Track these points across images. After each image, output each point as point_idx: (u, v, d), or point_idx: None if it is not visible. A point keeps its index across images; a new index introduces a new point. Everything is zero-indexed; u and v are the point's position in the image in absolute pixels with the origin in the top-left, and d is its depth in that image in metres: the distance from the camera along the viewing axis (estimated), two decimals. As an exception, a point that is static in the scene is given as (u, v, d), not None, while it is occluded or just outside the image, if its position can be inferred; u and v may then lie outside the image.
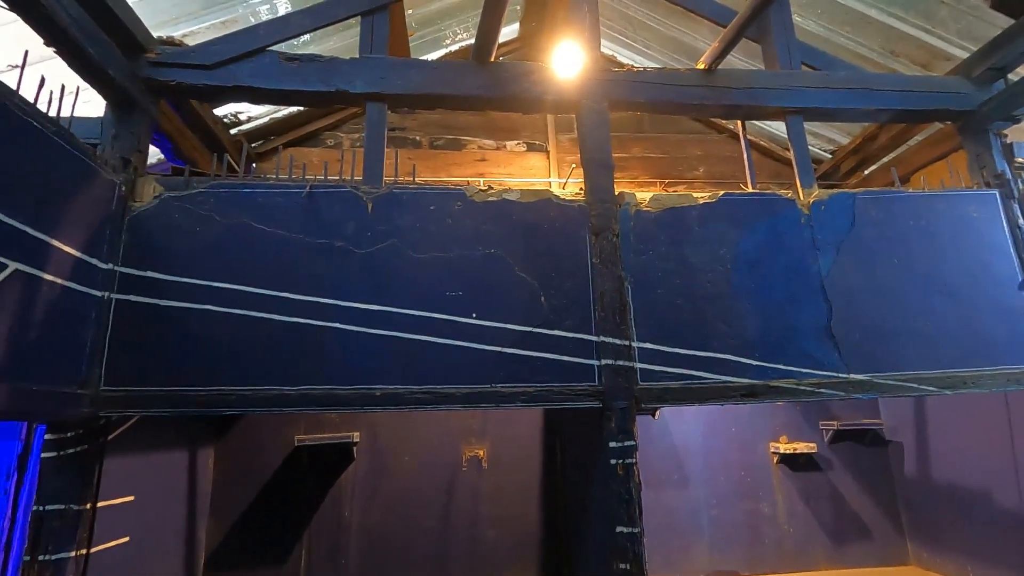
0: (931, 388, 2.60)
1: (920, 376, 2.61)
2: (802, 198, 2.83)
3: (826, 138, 4.46)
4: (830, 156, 4.46)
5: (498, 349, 2.43)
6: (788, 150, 3.06)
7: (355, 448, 3.34)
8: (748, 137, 3.41)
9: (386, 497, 3.33)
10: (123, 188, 2.37)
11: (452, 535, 3.32)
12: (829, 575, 3.39)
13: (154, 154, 3.18)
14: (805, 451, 3.61)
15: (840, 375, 2.56)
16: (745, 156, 3.27)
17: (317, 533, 3.24)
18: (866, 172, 4.24)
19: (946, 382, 2.61)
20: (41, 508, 2.11)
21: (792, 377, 2.54)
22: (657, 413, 3.56)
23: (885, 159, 4.04)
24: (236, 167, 3.70)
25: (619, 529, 2.28)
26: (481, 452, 3.44)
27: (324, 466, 3.32)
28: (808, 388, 2.53)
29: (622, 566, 2.24)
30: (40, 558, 2.05)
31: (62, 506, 2.11)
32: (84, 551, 2.13)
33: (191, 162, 3.22)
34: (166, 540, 2.80)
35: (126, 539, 2.41)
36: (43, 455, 2.15)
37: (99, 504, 2.23)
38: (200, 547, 3.08)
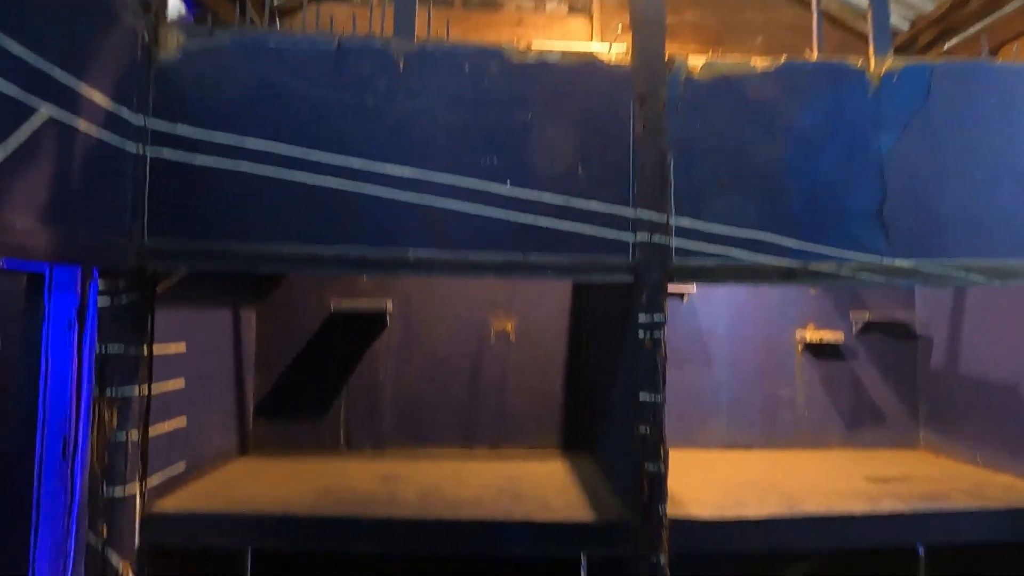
0: (979, 278, 2.51)
1: (969, 264, 2.50)
2: (872, 68, 2.57)
3: (906, 4, 3.96)
4: (908, 26, 3.99)
5: (532, 218, 2.39)
6: (861, 17, 2.73)
7: (388, 316, 3.46)
8: (819, -3, 3.04)
9: (418, 364, 3.50)
10: (146, 36, 2.27)
11: (480, 401, 3.51)
12: (840, 454, 3.53)
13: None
14: (831, 340, 3.62)
15: (884, 260, 2.48)
16: (815, 13, 2.94)
17: (355, 392, 3.47)
18: (946, 46, 3.81)
19: (996, 272, 2.51)
20: (103, 349, 2.27)
21: (833, 260, 2.47)
22: (686, 297, 3.56)
23: (971, 30, 3.59)
24: (258, 21, 3.50)
25: (643, 397, 2.36)
26: (509, 326, 3.54)
27: (359, 332, 3.47)
28: (848, 273, 2.46)
29: (643, 429, 2.36)
30: (108, 393, 2.25)
31: (121, 348, 2.26)
32: (146, 389, 2.33)
33: (212, 12, 3.05)
34: (218, 387, 3.04)
35: (182, 382, 2.61)
36: (99, 304, 2.28)
37: (155, 350, 2.39)
38: (249, 397, 3.35)
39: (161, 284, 2.43)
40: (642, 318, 2.38)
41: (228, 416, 3.15)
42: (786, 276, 2.44)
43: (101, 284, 2.29)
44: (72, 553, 4.78)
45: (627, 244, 2.40)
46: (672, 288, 3.46)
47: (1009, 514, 2.60)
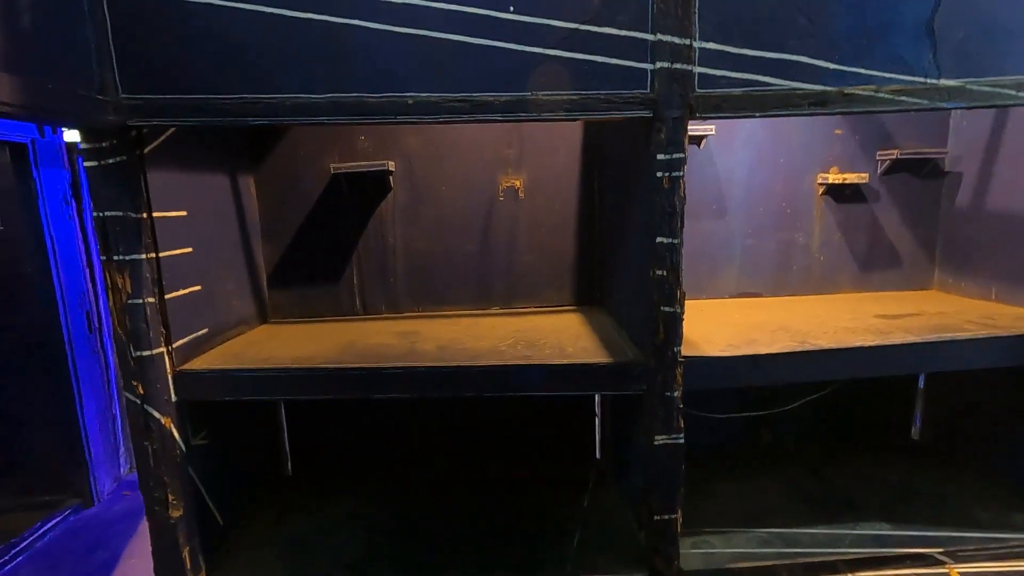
0: (1033, 96, 2.29)
1: (1022, 81, 2.27)
2: None
3: None
4: None
5: (540, 50, 2.15)
6: None
7: (391, 177, 3.32)
8: None
9: (426, 224, 3.43)
10: None
11: (491, 259, 3.49)
12: (850, 297, 3.55)
13: None
14: (855, 181, 3.46)
15: (929, 80, 2.25)
16: None
17: (365, 256, 3.44)
18: None
19: (1053, 89, 2.28)
20: (101, 214, 2.19)
21: (872, 83, 2.24)
22: (704, 141, 3.36)
23: None
24: None
25: (659, 240, 2.30)
26: (518, 182, 3.40)
27: (363, 195, 3.36)
28: (887, 96, 2.25)
29: (660, 272, 2.32)
30: (115, 258, 2.21)
31: (119, 213, 2.18)
32: (153, 254, 2.29)
33: None
34: (228, 254, 3.01)
35: (190, 249, 2.57)
36: (86, 165, 2.15)
37: (154, 215, 2.31)
38: (260, 265, 3.34)
39: (150, 144, 2.29)
40: (660, 156, 2.24)
41: (242, 284, 3.16)
42: (818, 102, 2.24)
43: (84, 146, 2.15)
44: (118, 415, 5.16)
45: (645, 73, 2.18)
46: (691, 130, 3.28)
47: (1017, 340, 2.64)
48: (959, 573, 2.59)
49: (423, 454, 3.74)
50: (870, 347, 2.59)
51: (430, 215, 3.43)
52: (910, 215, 3.59)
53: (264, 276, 3.37)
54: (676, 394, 2.43)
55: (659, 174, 2.25)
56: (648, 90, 2.20)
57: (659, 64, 2.18)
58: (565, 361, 2.52)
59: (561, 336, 2.91)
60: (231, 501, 2.97)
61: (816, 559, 2.67)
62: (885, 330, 2.77)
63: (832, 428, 3.84)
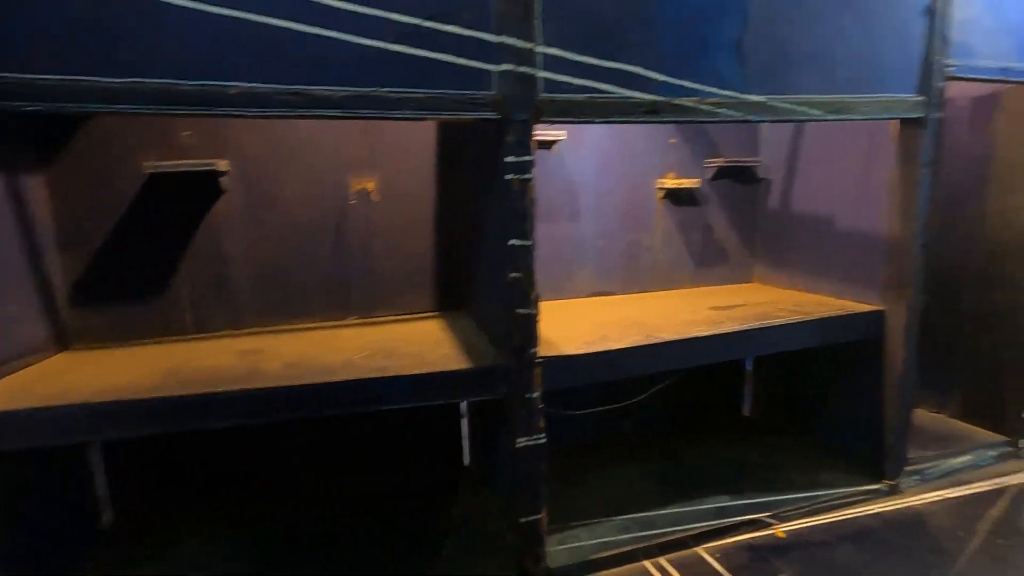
0: (818, 112, 2.66)
1: (812, 100, 2.63)
2: None
3: None
4: None
5: (380, 44, 2.04)
6: None
7: (224, 178, 2.97)
8: None
9: (271, 231, 3.12)
10: None
11: (347, 266, 3.27)
12: (688, 292, 3.89)
13: None
14: (689, 186, 3.79)
15: (740, 95, 2.51)
16: None
17: (195, 266, 3.03)
18: None
19: (833, 107, 2.67)
20: None
21: (696, 95, 2.45)
22: (555, 146, 3.46)
23: None
24: None
25: (513, 242, 2.30)
26: (371, 184, 3.23)
27: (188, 198, 2.96)
28: (708, 108, 2.47)
29: (514, 274, 2.32)
30: None
31: None
32: None
33: None
34: (5, 271, 2.46)
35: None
36: None
37: None
38: (55, 280, 2.78)
39: None
40: (510, 159, 2.24)
41: (29, 305, 2.61)
42: (652, 111, 2.39)
43: None
44: None
45: (489, 74, 2.17)
46: (542, 135, 3.37)
47: (819, 323, 3.07)
48: (783, 531, 2.92)
49: (278, 476, 3.40)
50: (706, 336, 2.83)
51: (274, 220, 3.12)
52: (734, 217, 4.03)
53: (61, 294, 2.82)
54: (536, 395, 2.44)
55: (509, 176, 2.24)
56: (494, 91, 2.18)
57: (504, 66, 2.17)
58: (424, 370, 2.42)
59: (422, 344, 2.81)
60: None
61: (669, 538, 2.85)
62: (718, 320, 3.06)
63: (682, 412, 4.18)
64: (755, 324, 2.94)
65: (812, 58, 2.62)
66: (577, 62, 2.27)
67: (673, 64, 2.41)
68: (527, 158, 2.25)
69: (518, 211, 2.27)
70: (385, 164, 3.25)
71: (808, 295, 3.62)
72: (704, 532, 2.89)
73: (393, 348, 2.75)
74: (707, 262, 4.02)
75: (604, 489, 3.42)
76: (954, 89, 3.03)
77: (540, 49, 2.21)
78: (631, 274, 3.85)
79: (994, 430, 3.70)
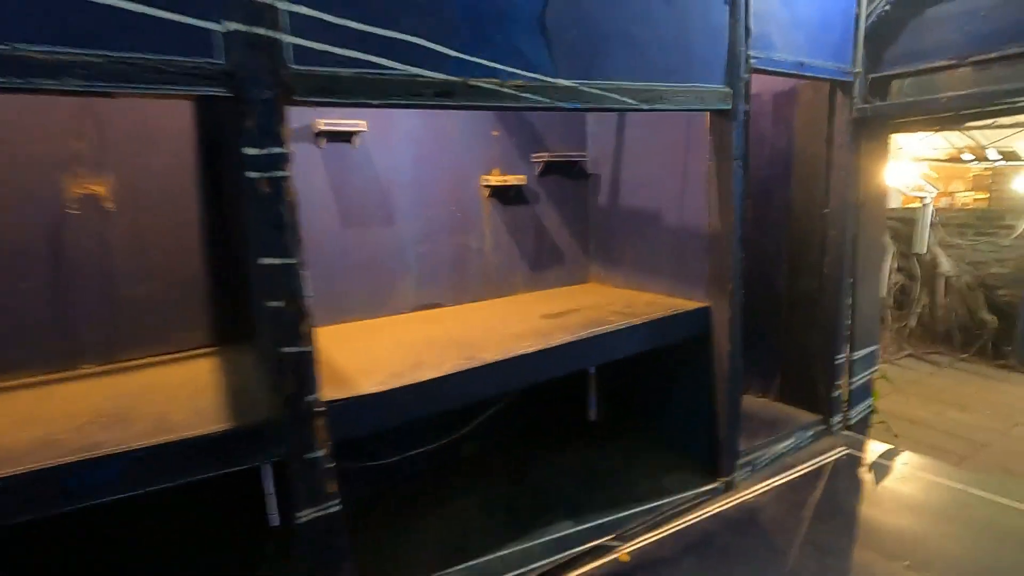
0: (631, 101, 2.44)
1: (623, 87, 2.40)
2: None
3: None
4: None
5: (33, -17, 1.36)
6: None
7: None
8: None
9: (-65, 256, 2.20)
10: None
11: (76, 296, 2.45)
12: (523, 298, 3.60)
13: None
14: (515, 183, 3.49)
15: (548, 79, 2.20)
16: None
17: None
18: None
19: (645, 95, 2.48)
20: None
21: (496, 76, 2.08)
22: (357, 139, 2.93)
23: None
24: None
25: (265, 261, 1.74)
26: (101, 188, 2.44)
27: None
28: (512, 91, 2.12)
29: (273, 304, 1.77)
30: None
31: None
32: None
33: None
34: None
35: None
36: None
37: None
38: None
39: None
40: (252, 152, 1.67)
41: None
42: (444, 92, 1.97)
43: None
44: None
45: (212, 35, 1.58)
46: (333, 125, 2.81)
47: (647, 326, 2.91)
48: (628, 554, 2.71)
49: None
50: (532, 354, 2.50)
51: (-55, 241, 2.21)
52: (566, 215, 3.82)
53: None
54: (320, 454, 1.91)
55: (253, 175, 1.68)
56: (221, 60, 1.61)
57: (231, 25, 1.60)
58: (159, 440, 1.76)
59: (175, 396, 2.13)
60: None
61: (508, 586, 2.50)
62: (548, 331, 2.76)
63: (527, 424, 3.89)
64: (584, 334, 2.69)
65: (622, 42, 2.40)
66: (340, 26, 1.77)
67: (468, 39, 2.01)
68: (278, 150, 1.71)
69: (269, 220, 1.72)
70: (122, 161, 2.48)
71: (641, 295, 3.50)
72: (545, 574, 2.58)
73: (130, 407, 2.04)
74: (542, 264, 3.76)
75: (439, 530, 2.98)
76: (757, 83, 3.03)
77: (283, 5, 1.67)
78: (460, 282, 3.45)
79: (810, 409, 3.90)
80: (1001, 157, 6.10)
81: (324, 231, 2.97)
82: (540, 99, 2.19)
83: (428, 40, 1.93)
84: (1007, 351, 6.36)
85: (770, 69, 2.95)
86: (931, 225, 7.08)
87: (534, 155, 3.59)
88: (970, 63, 2.94)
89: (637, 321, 2.89)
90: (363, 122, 2.86)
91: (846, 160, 3.48)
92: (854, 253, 3.62)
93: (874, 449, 3.62)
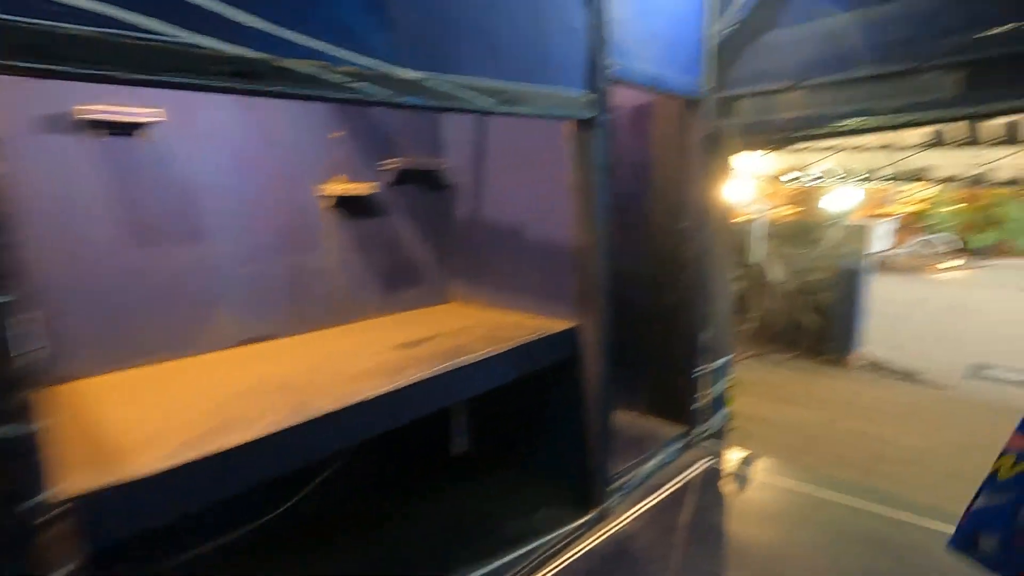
0: (488, 101, 2.15)
1: (478, 85, 2.10)
2: None
3: None
4: None
5: None
6: None
7: None
8: None
9: None
10: None
11: None
12: (377, 323, 3.15)
13: None
14: (364, 193, 3.04)
15: (389, 67, 1.82)
16: None
17: None
18: None
19: (503, 96, 2.20)
20: None
21: (318, 59, 1.66)
22: (148, 131, 2.30)
23: None
24: None
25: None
26: None
27: None
28: (339, 78, 1.71)
29: (-37, 367, 1.17)
30: None
31: None
32: None
33: None
34: None
35: None
36: None
37: None
38: None
39: None
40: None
41: None
42: (242, 73, 1.51)
43: None
44: None
45: None
46: (111, 113, 2.17)
47: (514, 353, 2.63)
48: (499, 615, 2.39)
49: None
50: (380, 397, 2.09)
51: None
52: (425, 228, 3.44)
53: None
54: (66, 571, 1.33)
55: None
56: None
57: None
58: None
59: None
60: None
61: None
62: (402, 366, 2.36)
63: (380, 466, 3.42)
64: (444, 368, 2.33)
65: (475, 32, 2.10)
66: (74, -33, 1.23)
67: (280, 7, 1.57)
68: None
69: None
70: None
71: (507, 315, 3.23)
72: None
73: None
74: (397, 284, 3.34)
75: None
76: (615, 96, 2.92)
77: (-38, -80, 1.11)
78: (298, 308, 2.91)
79: (674, 421, 3.92)
80: (818, 176, 6.96)
81: (103, 249, 2.28)
82: (379, 91, 1.80)
83: (221, 1, 1.45)
84: (827, 347, 7.20)
85: (629, 80, 2.86)
86: (763, 237, 7.83)
87: (385, 161, 3.17)
88: (803, 87, 3.09)
89: (503, 348, 2.59)
90: (158, 110, 2.24)
91: (700, 176, 3.54)
92: (709, 266, 3.70)
93: (733, 457, 3.71)
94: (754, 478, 3.49)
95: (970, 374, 7.07)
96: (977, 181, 6.21)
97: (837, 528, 2.93)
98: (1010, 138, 4.64)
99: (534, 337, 2.76)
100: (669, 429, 3.86)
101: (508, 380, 2.65)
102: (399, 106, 1.89)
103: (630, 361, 3.96)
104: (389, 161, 3.17)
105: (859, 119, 2.95)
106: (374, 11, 1.78)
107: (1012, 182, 6.96)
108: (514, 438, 3.50)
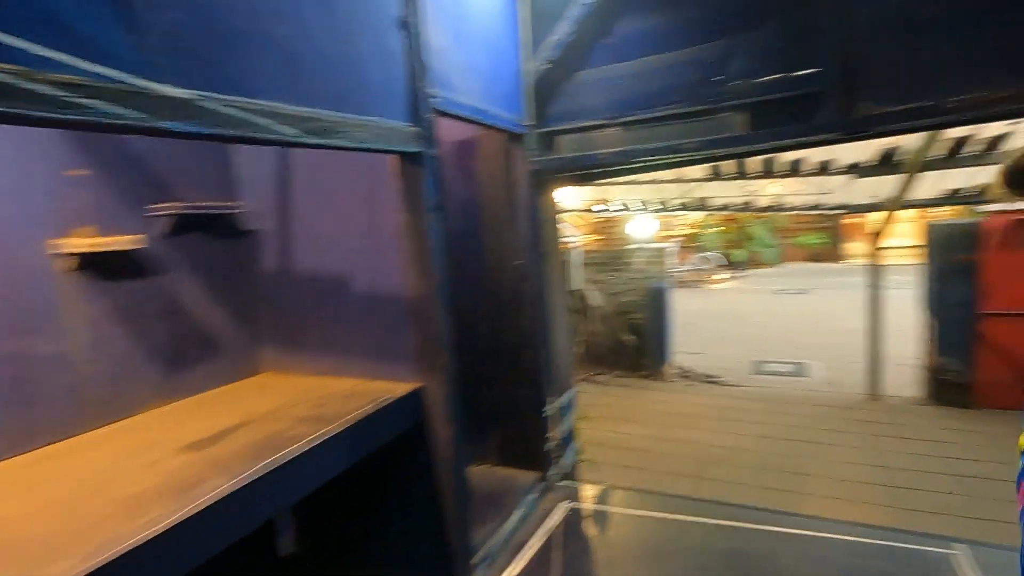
0: (291, 131, 1.73)
1: (277, 110, 1.68)
2: None
3: None
4: None
5: None
6: None
7: None
8: None
9: None
10: None
11: None
12: (158, 415, 2.40)
13: None
14: (126, 247, 2.32)
15: (138, 81, 1.31)
16: None
17: None
18: None
19: (313, 125, 1.80)
20: None
21: (21, 62, 1.11)
22: None
23: None
24: None
25: None
26: None
27: None
28: (62, 94, 1.16)
29: None
30: None
31: None
32: None
33: None
34: None
35: None
36: None
37: None
38: None
39: None
40: None
41: None
42: None
43: None
44: None
45: None
46: None
47: (351, 431, 2.17)
48: None
49: None
50: (160, 536, 1.47)
51: None
52: (217, 286, 2.78)
53: None
54: None
55: None
56: None
57: None
58: None
59: None
60: None
61: None
62: (190, 481, 1.74)
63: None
64: (256, 471, 1.78)
65: (272, 49, 1.68)
66: None
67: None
68: None
69: None
70: None
71: (336, 382, 2.72)
72: None
73: None
74: (183, 361, 2.61)
75: None
76: (440, 129, 2.69)
77: None
78: (24, 415, 2.06)
79: (529, 467, 3.72)
80: (622, 207, 7.63)
81: None
82: (125, 111, 1.28)
83: None
84: (645, 363, 7.81)
85: (453, 112, 2.64)
86: (580, 265, 8.30)
87: (155, 206, 2.48)
88: (617, 124, 3.21)
89: (335, 429, 2.11)
90: None
91: (528, 211, 3.47)
92: (548, 301, 3.63)
93: (589, 494, 3.63)
94: (613, 513, 3.43)
95: (754, 371, 8.25)
96: (745, 207, 7.37)
97: (701, 550, 2.97)
98: (767, 172, 5.54)
99: (372, 408, 2.32)
100: (524, 477, 3.65)
101: (347, 466, 2.17)
102: (161, 133, 1.37)
103: (476, 409, 3.69)
104: (162, 205, 2.49)
105: (669, 155, 3.13)
106: (111, 8, 1.27)
107: (748, 206, 8.44)
108: (353, 527, 2.95)
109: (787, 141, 2.93)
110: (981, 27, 2.35)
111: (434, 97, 2.44)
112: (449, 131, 3.38)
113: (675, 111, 3.02)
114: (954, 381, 6.32)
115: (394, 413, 2.42)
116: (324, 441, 2.04)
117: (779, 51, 2.77)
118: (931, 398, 6.48)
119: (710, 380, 7.66)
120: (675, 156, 3.16)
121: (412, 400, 2.51)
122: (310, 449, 1.97)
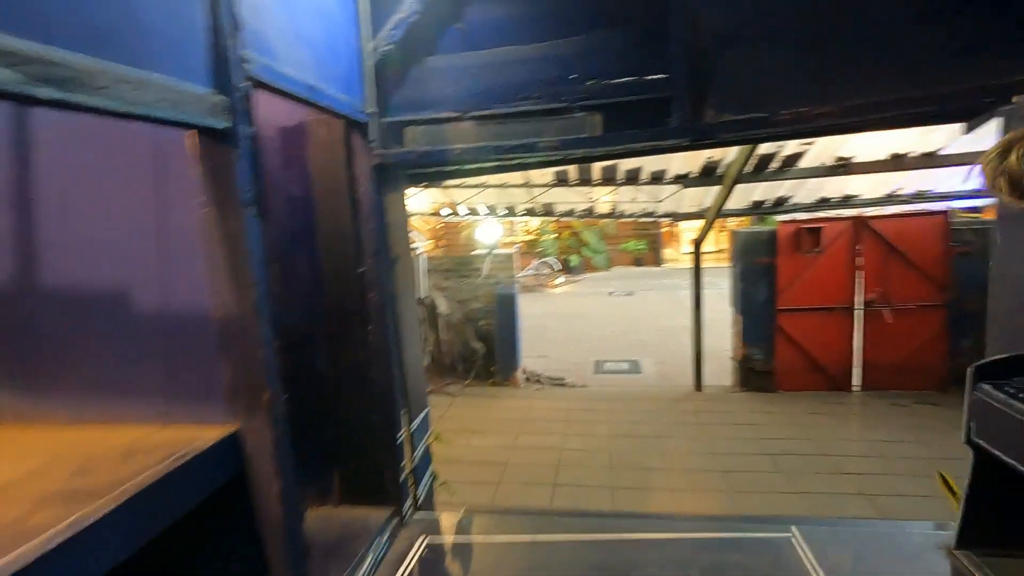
0: (11, 76, 1.14)
1: (-21, 39, 1.09)
2: None
3: None
4: None
5: None
6: None
7: None
8: None
9: None
10: None
11: None
12: None
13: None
14: None
15: None
16: None
17: None
18: None
19: (51, 72, 1.22)
20: None
21: None
22: None
23: None
24: None
25: None
26: None
27: None
28: None
29: None
30: None
31: None
32: None
33: None
34: None
35: None
36: None
37: None
38: None
39: None
40: None
41: None
42: None
43: None
44: None
45: None
46: None
47: (137, 502, 1.57)
48: None
49: None
50: None
51: None
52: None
53: None
54: None
55: None
56: None
57: None
58: None
59: None
60: None
61: None
62: None
63: None
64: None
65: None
66: None
67: None
68: None
69: None
70: None
71: (108, 433, 2.02)
72: None
73: None
74: None
75: None
76: (259, 113, 2.16)
77: None
78: None
79: (379, 503, 3.27)
80: (469, 212, 7.43)
81: None
82: None
83: None
84: (495, 370, 7.71)
85: (277, 86, 2.15)
86: (425, 271, 7.94)
87: None
88: (470, 118, 2.95)
89: (107, 506, 1.50)
90: None
91: (373, 210, 3.04)
92: (397, 314, 3.23)
93: (447, 524, 3.30)
94: (475, 543, 3.14)
95: (595, 370, 8.64)
96: (587, 214, 7.67)
97: (570, 571, 2.80)
98: (608, 179, 5.77)
99: (166, 468, 1.72)
100: (375, 515, 3.19)
101: (134, 550, 1.56)
102: None
103: (314, 446, 3.16)
104: None
105: (524, 154, 2.95)
106: None
107: (591, 213, 8.92)
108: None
109: (641, 144, 2.93)
110: (809, 46, 2.54)
111: (248, 62, 1.93)
112: (276, 114, 2.84)
113: (531, 108, 2.85)
114: (759, 369, 7.23)
115: (201, 468, 1.84)
116: (87, 528, 1.43)
117: (632, 53, 2.74)
118: (742, 385, 7.33)
119: (557, 383, 7.82)
120: (530, 155, 2.99)
121: (226, 448, 1.95)
122: (61, 544, 1.35)
